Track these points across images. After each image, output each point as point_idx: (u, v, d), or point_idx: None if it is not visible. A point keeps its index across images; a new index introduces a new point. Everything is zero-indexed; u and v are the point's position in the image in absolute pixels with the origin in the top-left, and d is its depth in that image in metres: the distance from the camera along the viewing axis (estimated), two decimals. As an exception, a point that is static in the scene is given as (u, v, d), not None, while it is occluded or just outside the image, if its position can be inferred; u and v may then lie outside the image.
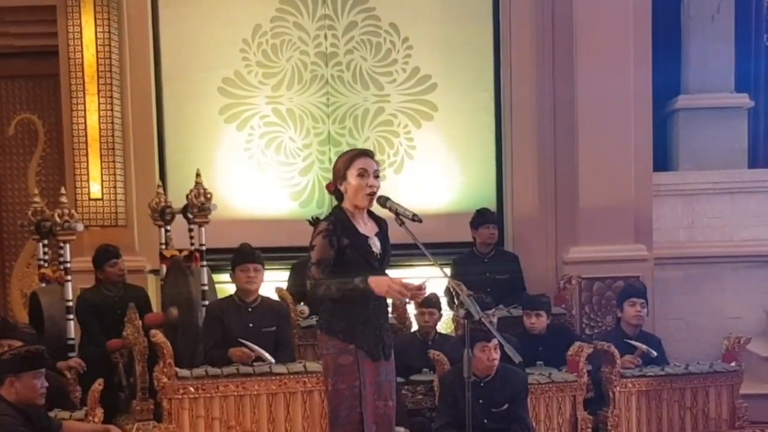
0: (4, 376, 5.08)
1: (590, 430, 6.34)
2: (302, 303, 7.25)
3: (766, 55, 9.42)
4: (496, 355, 5.73)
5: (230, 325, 6.29)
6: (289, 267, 7.91)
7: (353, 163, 4.76)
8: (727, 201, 8.79)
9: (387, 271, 4.89)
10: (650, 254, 8.15)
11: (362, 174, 4.73)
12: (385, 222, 4.92)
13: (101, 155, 8.06)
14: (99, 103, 8.03)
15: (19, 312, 8.81)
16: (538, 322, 6.88)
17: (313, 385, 5.94)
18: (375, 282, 4.60)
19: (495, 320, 6.58)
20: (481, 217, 7.90)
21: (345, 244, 4.73)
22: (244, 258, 6.41)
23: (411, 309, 6.92)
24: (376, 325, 4.80)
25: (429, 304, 6.78)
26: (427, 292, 6.61)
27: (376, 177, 4.79)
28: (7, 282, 9.09)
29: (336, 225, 4.76)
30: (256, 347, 6.11)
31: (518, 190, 8.43)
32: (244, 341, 6.16)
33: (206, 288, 6.99)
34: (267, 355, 6.09)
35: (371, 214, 4.93)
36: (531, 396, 6.12)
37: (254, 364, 6.07)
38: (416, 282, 4.70)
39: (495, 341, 5.65)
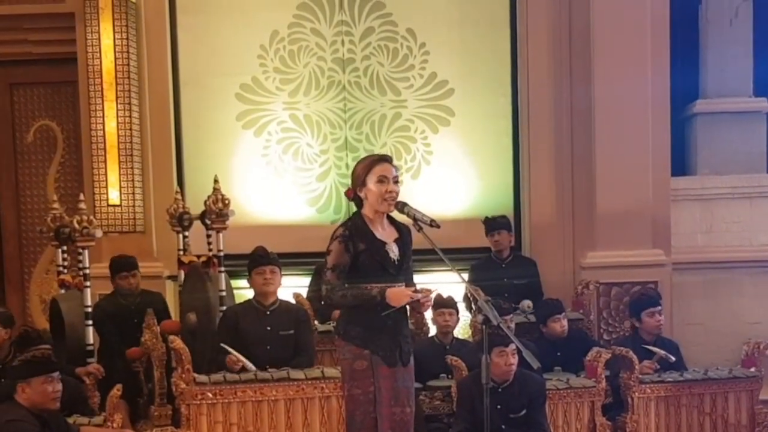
0: (16, 383, 5.12)
1: (608, 436, 6.34)
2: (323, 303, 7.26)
3: (785, 59, 9.39)
4: (514, 360, 5.73)
5: (247, 330, 6.31)
6: (307, 272, 7.94)
7: (372, 170, 4.79)
8: (746, 205, 8.74)
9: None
10: (668, 259, 8.12)
11: (382, 180, 4.76)
12: (407, 228, 4.92)
13: (119, 161, 8.09)
14: (117, 110, 8.06)
15: (38, 318, 8.85)
16: (566, 323, 6.92)
17: (331, 390, 5.96)
18: (392, 295, 4.62)
19: (513, 326, 6.58)
20: (487, 225, 7.89)
21: (360, 249, 4.76)
22: (259, 261, 6.43)
23: (428, 314, 6.90)
24: (394, 331, 4.82)
25: (447, 304, 6.81)
26: (445, 297, 6.80)
27: (396, 182, 4.81)
28: (26, 288, 9.13)
29: (352, 230, 4.79)
30: (238, 354, 6.11)
31: (535, 195, 8.41)
32: (226, 347, 6.16)
33: (224, 294, 7.01)
34: (249, 363, 6.09)
35: (392, 221, 4.95)
36: (549, 402, 6.12)
37: (254, 370, 6.09)
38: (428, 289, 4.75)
39: (513, 346, 5.66)
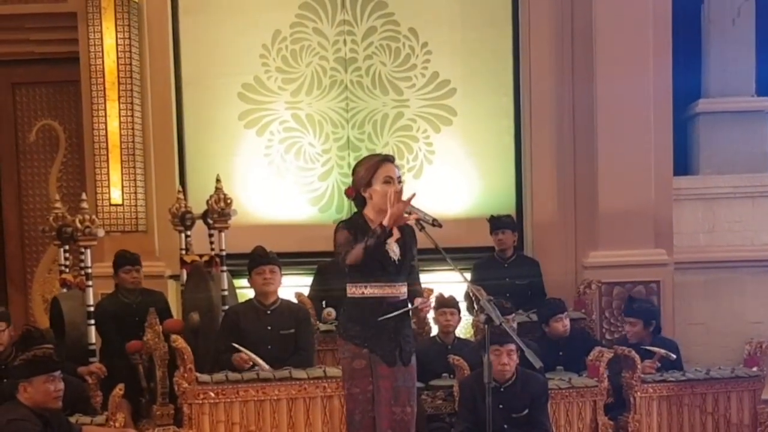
0: (18, 383, 5.13)
1: (611, 435, 6.34)
2: (325, 305, 7.28)
3: (788, 58, 9.38)
4: (508, 360, 5.70)
5: (248, 329, 6.31)
6: (309, 272, 7.95)
7: (378, 171, 4.80)
8: (748, 205, 8.73)
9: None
10: (670, 259, 8.11)
11: (388, 181, 4.77)
12: (410, 228, 4.92)
13: (122, 161, 8.09)
14: (119, 109, 8.06)
15: (40, 317, 8.86)
16: (568, 323, 6.93)
17: (333, 390, 5.95)
18: (388, 221, 4.61)
19: (515, 325, 6.58)
20: (491, 224, 7.88)
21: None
22: (258, 261, 6.44)
23: (430, 313, 6.91)
24: (393, 330, 4.82)
25: (449, 304, 6.82)
26: (446, 296, 6.81)
27: (400, 182, 4.82)
28: (28, 287, 9.14)
29: (354, 226, 4.80)
30: (250, 353, 6.13)
31: (538, 195, 8.40)
32: (238, 346, 6.17)
33: (226, 293, 7.02)
34: (261, 362, 6.11)
35: (395, 220, 4.95)
36: (551, 401, 6.11)
37: (254, 367, 6.09)
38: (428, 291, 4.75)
39: (508, 346, 5.65)
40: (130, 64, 8.09)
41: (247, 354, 6.11)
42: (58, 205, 7.36)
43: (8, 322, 6.17)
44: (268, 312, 6.40)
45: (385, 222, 4.62)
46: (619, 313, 7.93)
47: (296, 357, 6.29)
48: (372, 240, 4.64)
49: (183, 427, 5.94)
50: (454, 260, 4.70)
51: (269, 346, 6.27)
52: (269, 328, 6.34)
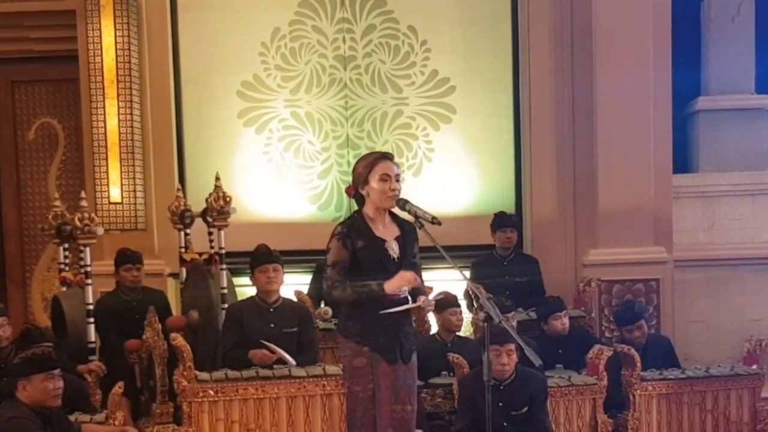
0: (17, 381, 5.12)
1: (610, 433, 6.34)
2: (323, 303, 7.28)
3: (788, 56, 9.38)
4: (507, 359, 5.70)
5: (251, 327, 6.28)
6: (309, 270, 7.95)
7: (375, 168, 4.79)
8: (747, 203, 8.73)
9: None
10: (670, 256, 8.11)
11: (385, 179, 4.77)
12: (410, 225, 4.91)
13: (121, 159, 8.08)
14: (118, 107, 8.05)
15: (39, 316, 8.85)
16: (567, 321, 6.91)
17: (333, 388, 5.94)
18: (389, 285, 4.63)
19: (514, 323, 6.57)
20: (498, 221, 7.87)
21: (359, 247, 4.78)
22: (261, 259, 6.41)
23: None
24: (394, 328, 4.81)
25: (456, 303, 6.82)
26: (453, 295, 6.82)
27: (398, 180, 4.81)
28: (28, 286, 9.13)
29: (351, 228, 4.80)
30: (277, 348, 6.10)
31: (537, 193, 8.40)
32: (265, 342, 6.15)
33: (226, 291, 7.01)
34: (288, 357, 6.09)
35: (395, 218, 4.94)
36: (551, 399, 6.11)
37: (274, 366, 6.07)
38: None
39: (508, 346, 5.65)
40: (129, 62, 8.09)
41: (272, 348, 6.09)
42: (57, 203, 7.36)
43: (7, 316, 6.18)
44: (271, 310, 6.38)
45: (387, 288, 4.67)
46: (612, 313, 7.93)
47: (303, 358, 6.26)
48: (367, 292, 4.71)
49: (182, 425, 5.93)
50: (453, 258, 4.69)
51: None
52: (272, 325, 6.31)
